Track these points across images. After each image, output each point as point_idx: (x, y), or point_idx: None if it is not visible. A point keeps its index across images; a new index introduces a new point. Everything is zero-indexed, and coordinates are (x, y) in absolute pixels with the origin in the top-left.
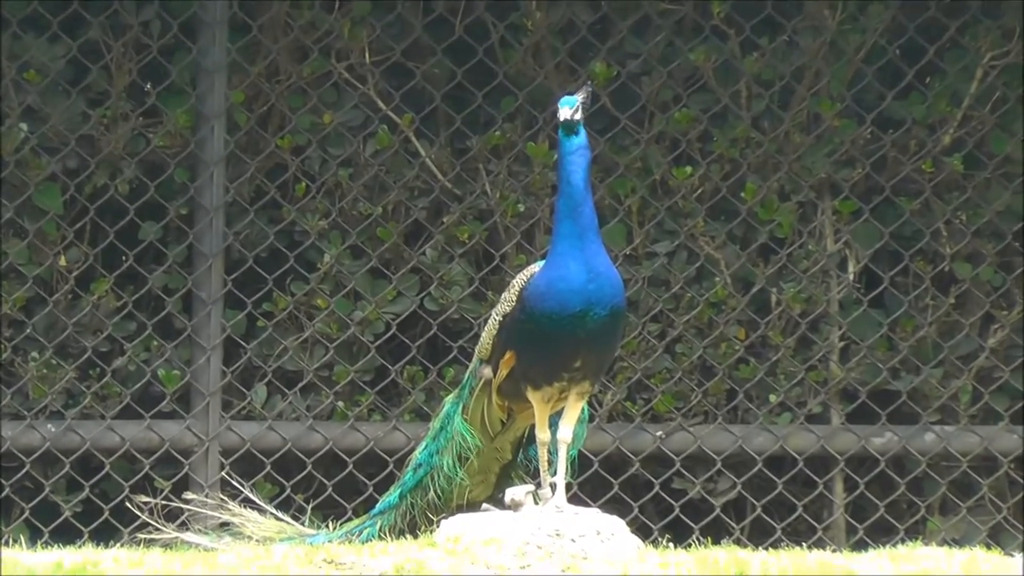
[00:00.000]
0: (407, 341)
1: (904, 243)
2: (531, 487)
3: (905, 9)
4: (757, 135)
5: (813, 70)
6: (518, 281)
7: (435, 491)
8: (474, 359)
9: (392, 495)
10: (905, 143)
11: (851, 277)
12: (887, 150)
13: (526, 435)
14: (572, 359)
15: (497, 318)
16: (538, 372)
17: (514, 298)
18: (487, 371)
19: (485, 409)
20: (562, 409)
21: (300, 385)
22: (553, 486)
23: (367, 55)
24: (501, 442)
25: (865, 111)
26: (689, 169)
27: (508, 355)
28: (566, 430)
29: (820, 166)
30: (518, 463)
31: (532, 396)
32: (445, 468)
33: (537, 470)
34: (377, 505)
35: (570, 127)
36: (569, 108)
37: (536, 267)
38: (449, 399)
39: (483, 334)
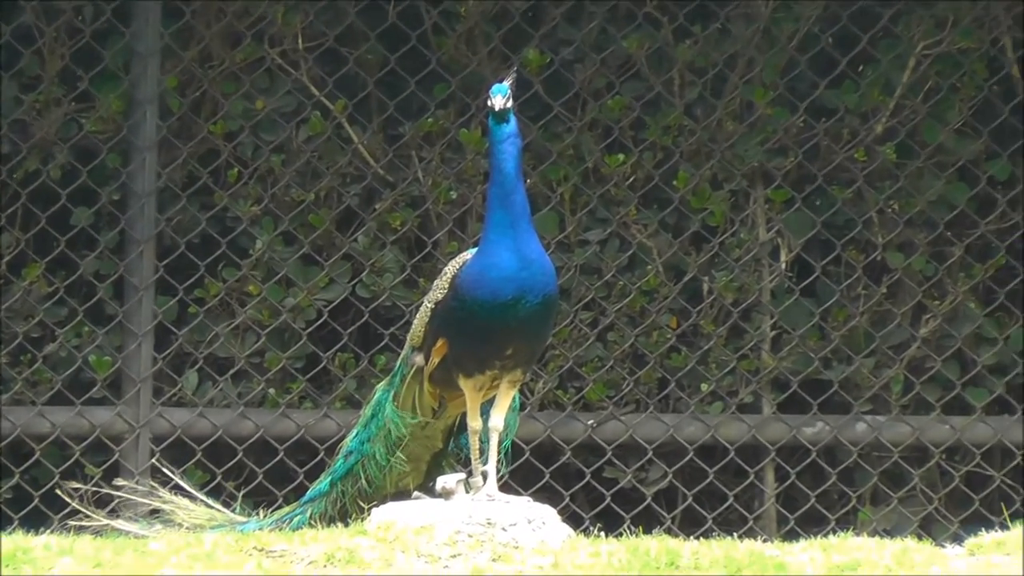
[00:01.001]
0: (339, 328)
1: (836, 232)
2: (462, 475)
3: None
4: (690, 123)
5: (746, 58)
6: (450, 268)
7: (366, 479)
8: (406, 347)
9: (323, 483)
10: (838, 132)
11: (783, 266)
12: (820, 139)
13: (457, 423)
14: (504, 347)
15: (429, 305)
16: (470, 360)
17: (446, 286)
18: (419, 359)
19: (417, 397)
20: (494, 397)
21: (231, 372)
22: (484, 475)
23: (300, 41)
24: (432, 430)
25: (798, 99)
26: (622, 157)
27: (440, 343)
28: (498, 418)
29: (753, 154)
30: (449, 451)
31: (464, 384)
32: (376, 456)
33: (468, 459)
34: (308, 493)
35: (501, 115)
36: (501, 96)
37: (468, 255)
38: (381, 386)
39: (415, 322)
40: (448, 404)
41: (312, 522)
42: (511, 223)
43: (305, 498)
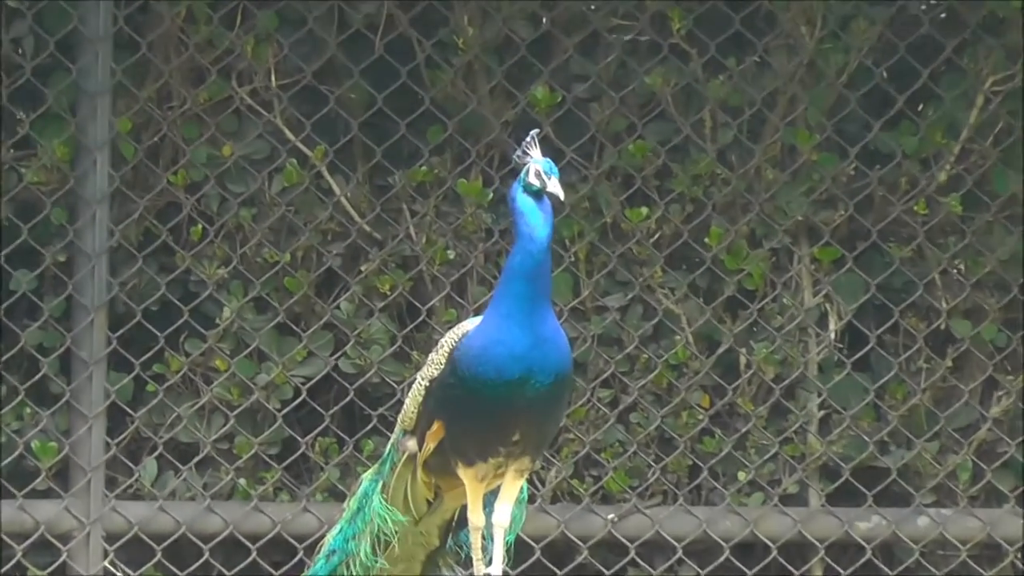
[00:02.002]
0: (319, 409)
1: (893, 296)
2: None
3: (895, 26)
4: (723, 171)
5: (788, 96)
6: (448, 341)
7: None
8: (396, 430)
9: None
10: (894, 180)
11: (832, 336)
12: (873, 188)
13: (456, 517)
14: (510, 432)
15: (423, 383)
16: (470, 446)
17: (443, 360)
18: (411, 444)
19: (409, 487)
20: (498, 488)
21: (196, 459)
22: None
23: (273, 77)
24: (427, 525)
25: (848, 143)
26: (645, 210)
27: (436, 426)
28: (503, 512)
29: (796, 207)
30: (447, 550)
31: (463, 473)
32: (362, 556)
33: (469, 558)
34: None
35: (541, 193)
36: (556, 179)
37: (470, 325)
38: (367, 476)
39: (406, 401)
40: (445, 495)
41: None
42: (531, 298)
43: None
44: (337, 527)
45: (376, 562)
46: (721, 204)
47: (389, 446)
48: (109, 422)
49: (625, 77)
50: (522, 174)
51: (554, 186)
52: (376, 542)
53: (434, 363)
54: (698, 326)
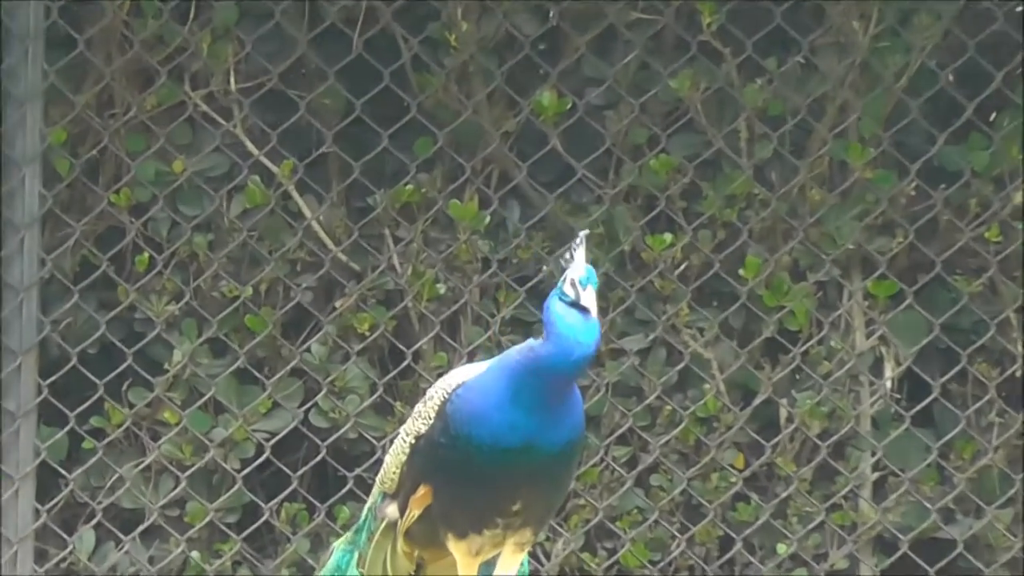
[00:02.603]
0: (286, 469)
1: (961, 338)
2: None
3: (963, 22)
4: (762, 191)
5: (837, 103)
6: (439, 391)
7: None
8: (374, 492)
9: None
10: (962, 202)
11: (888, 384)
12: (938, 212)
13: None
14: (510, 501)
15: (408, 439)
16: (463, 516)
17: (432, 414)
18: (391, 509)
19: (388, 560)
20: (494, 559)
21: (141, 528)
22: None
23: (233, 80)
24: None
25: (908, 159)
26: (669, 237)
27: (422, 491)
28: None
29: (847, 233)
30: None
31: (454, 547)
32: None
33: None
34: None
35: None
36: (592, 290)
37: (465, 373)
38: (339, 545)
39: (387, 459)
40: (428, 567)
41: None
42: (550, 396)
43: None
44: None
45: None
46: (759, 230)
47: (366, 511)
48: (38, 485)
49: (646, 81)
50: (560, 281)
51: (587, 298)
52: None
53: (422, 416)
54: (731, 373)
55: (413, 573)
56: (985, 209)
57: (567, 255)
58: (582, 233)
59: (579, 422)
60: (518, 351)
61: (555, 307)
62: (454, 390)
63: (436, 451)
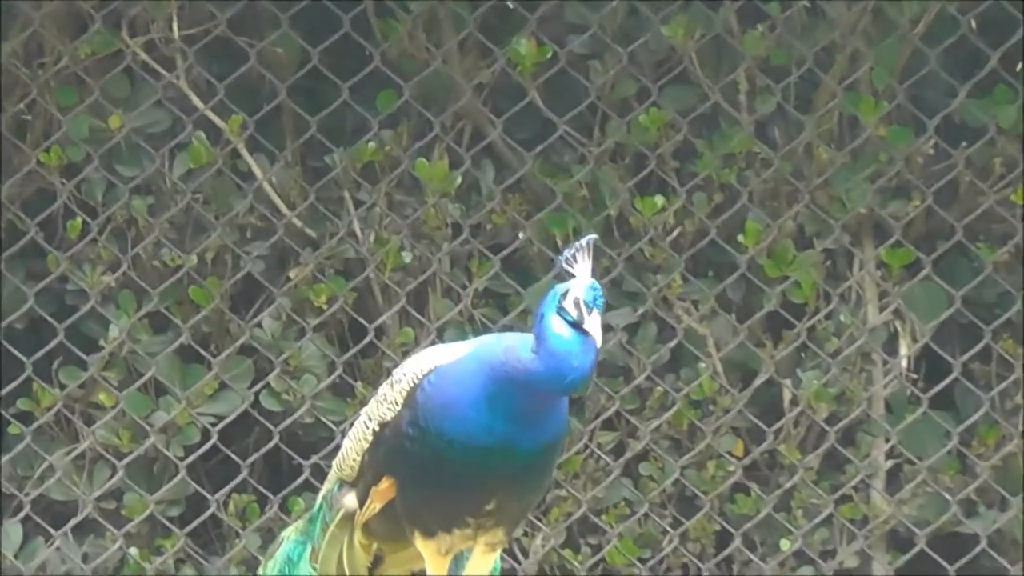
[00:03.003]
0: (235, 457)
1: (984, 312)
2: None
3: None
4: (763, 150)
5: (847, 52)
6: (408, 374)
7: None
8: (330, 478)
9: None
10: (986, 162)
11: (904, 363)
12: (959, 173)
13: None
14: (483, 500)
15: (370, 425)
16: (431, 515)
17: (399, 400)
18: (349, 500)
19: (345, 553)
20: (464, 554)
21: (73, 522)
22: None
23: (175, 27)
24: None
25: (926, 114)
26: (661, 201)
27: (386, 483)
28: None
29: (858, 197)
30: None
31: (422, 545)
32: None
33: None
34: None
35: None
36: (598, 315)
37: (438, 355)
38: (289, 534)
39: (346, 443)
40: (387, 557)
41: None
42: (534, 408)
43: None
44: None
45: None
46: (760, 192)
47: (320, 499)
48: None
49: (635, 28)
50: (558, 289)
51: (592, 324)
52: None
53: (387, 401)
54: (729, 350)
55: (370, 567)
56: (1011, 169)
57: (568, 256)
58: (590, 237)
59: (563, 418)
60: (504, 352)
61: (551, 323)
62: (425, 376)
63: (402, 442)
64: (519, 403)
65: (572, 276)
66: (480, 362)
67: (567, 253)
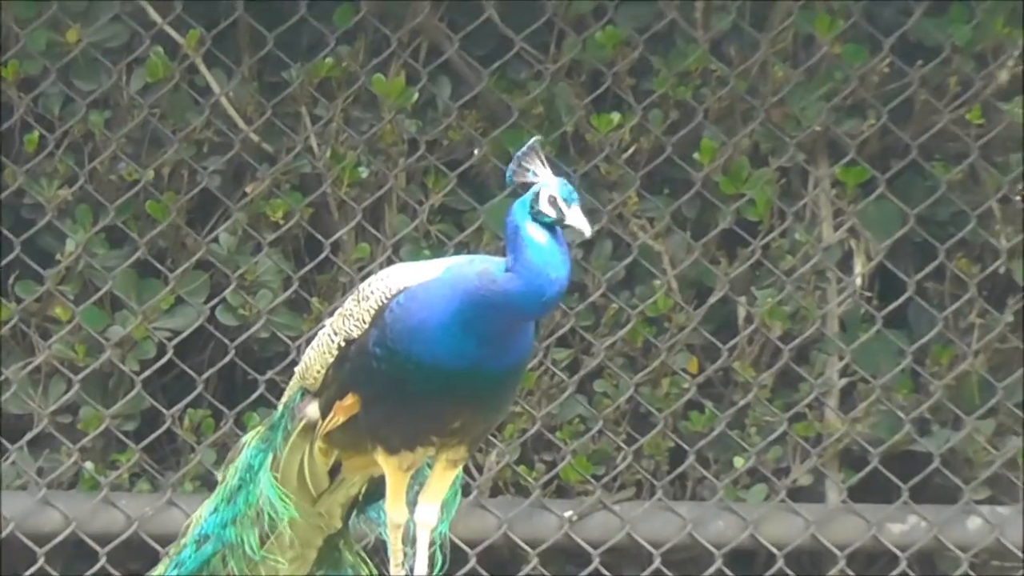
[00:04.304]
0: (190, 372)
1: (938, 231)
2: None
3: None
4: (719, 67)
5: None
6: (376, 292)
7: None
8: (292, 386)
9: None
10: (941, 81)
11: (858, 282)
12: (914, 91)
13: (364, 492)
14: (448, 421)
15: (336, 339)
16: (396, 434)
17: (367, 318)
18: (311, 409)
19: (306, 461)
20: (424, 470)
21: (28, 437)
22: None
23: None
24: (328, 504)
25: (881, 32)
26: (616, 117)
27: (350, 399)
28: (429, 509)
29: (813, 114)
30: (349, 532)
31: (384, 461)
32: (245, 547)
33: (381, 544)
34: None
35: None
36: (577, 208)
37: (407, 275)
38: (251, 440)
39: (310, 353)
40: (345, 464)
41: None
42: (508, 330)
43: None
44: (210, 505)
45: (261, 556)
46: (715, 110)
47: (282, 407)
48: None
49: None
50: (527, 196)
51: (575, 217)
52: (264, 531)
53: (354, 317)
54: (684, 268)
55: (329, 468)
56: (966, 88)
57: (516, 167)
58: (533, 139)
59: (529, 339)
60: (478, 276)
61: (527, 230)
62: (394, 296)
63: (369, 361)
64: (491, 327)
65: (528, 187)
66: (452, 286)
67: (513, 165)
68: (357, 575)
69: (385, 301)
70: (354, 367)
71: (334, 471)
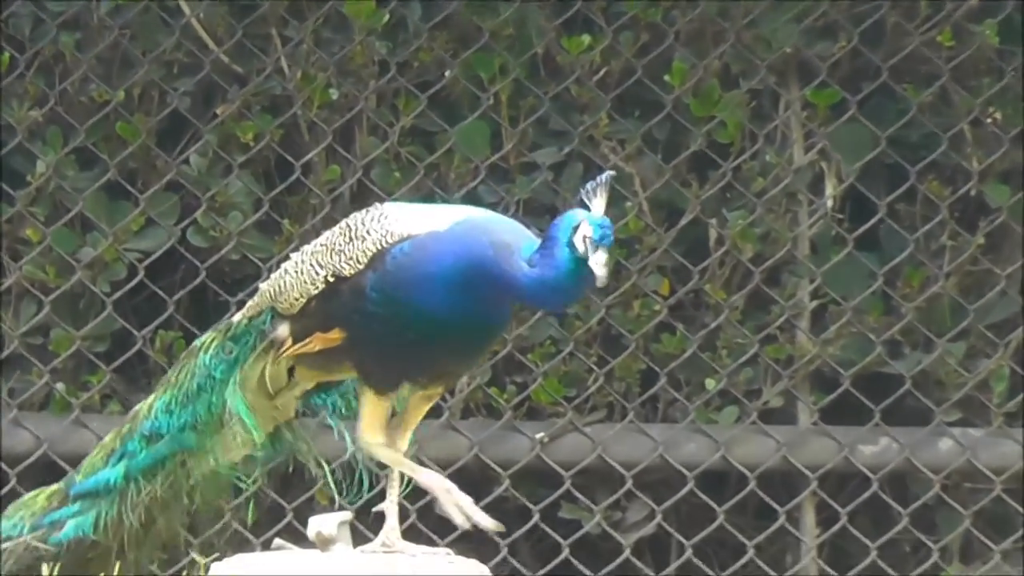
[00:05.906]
0: (161, 293)
1: (909, 154)
2: (345, 515)
3: None
4: None
5: None
6: (373, 234)
7: (183, 482)
8: (261, 304)
9: (114, 471)
10: (912, 3)
11: (829, 204)
12: (884, 13)
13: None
14: (438, 364)
15: (322, 273)
16: (380, 372)
17: (363, 260)
18: (284, 330)
19: (268, 369)
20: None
21: None
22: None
23: None
24: (285, 398)
25: None
26: (587, 39)
27: (335, 333)
28: (404, 439)
29: (784, 37)
30: (298, 418)
31: (364, 395)
32: (211, 461)
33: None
34: (85, 481)
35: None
36: (603, 254)
37: (410, 221)
38: (206, 343)
39: (288, 278)
40: (300, 372)
41: (99, 532)
42: (502, 295)
43: (81, 488)
44: (160, 400)
45: (223, 466)
46: (686, 32)
47: (247, 320)
48: None
49: None
50: (574, 218)
51: (596, 262)
52: (226, 443)
53: (346, 255)
54: (655, 190)
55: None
56: (937, 11)
57: (589, 190)
58: (608, 174)
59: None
60: (494, 247)
61: (564, 251)
62: (397, 243)
63: (362, 303)
64: (492, 292)
65: (587, 207)
66: (464, 245)
67: (589, 186)
68: (297, 450)
69: (386, 246)
70: (344, 305)
71: (291, 371)
